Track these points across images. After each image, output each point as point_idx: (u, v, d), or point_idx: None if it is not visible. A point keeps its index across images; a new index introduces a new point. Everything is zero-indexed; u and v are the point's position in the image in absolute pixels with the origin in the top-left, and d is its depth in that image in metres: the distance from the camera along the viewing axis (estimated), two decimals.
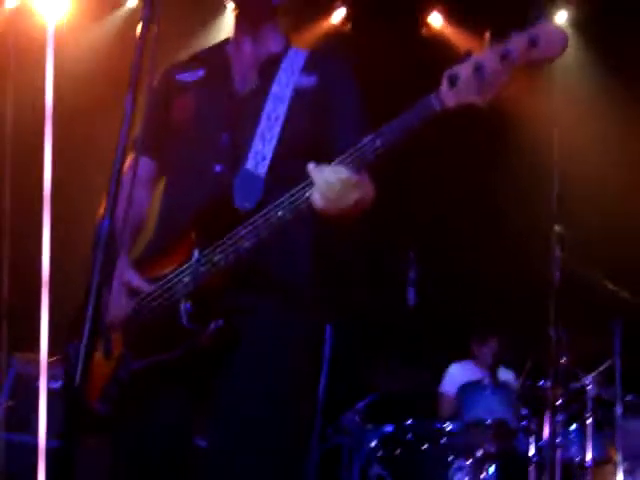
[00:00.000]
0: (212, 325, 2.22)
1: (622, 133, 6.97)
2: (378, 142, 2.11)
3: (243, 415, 2.26)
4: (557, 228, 5.64)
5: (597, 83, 7.26)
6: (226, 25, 6.99)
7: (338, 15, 7.47)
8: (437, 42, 7.38)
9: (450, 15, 7.37)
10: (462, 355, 6.52)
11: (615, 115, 7.02)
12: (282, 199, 2.17)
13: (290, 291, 2.39)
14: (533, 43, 1.94)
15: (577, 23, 7.37)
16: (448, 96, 2.03)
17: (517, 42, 1.96)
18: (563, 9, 7.34)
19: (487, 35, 2.01)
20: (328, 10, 7.47)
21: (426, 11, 7.44)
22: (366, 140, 2.11)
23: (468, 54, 2.03)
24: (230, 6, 2.72)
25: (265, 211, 2.19)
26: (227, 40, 2.65)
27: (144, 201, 2.57)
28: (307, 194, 2.13)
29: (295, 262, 2.43)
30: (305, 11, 6.79)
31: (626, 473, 5.30)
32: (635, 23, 6.86)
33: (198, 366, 2.28)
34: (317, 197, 2.10)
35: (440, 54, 7.23)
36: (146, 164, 2.52)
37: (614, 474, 5.25)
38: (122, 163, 1.74)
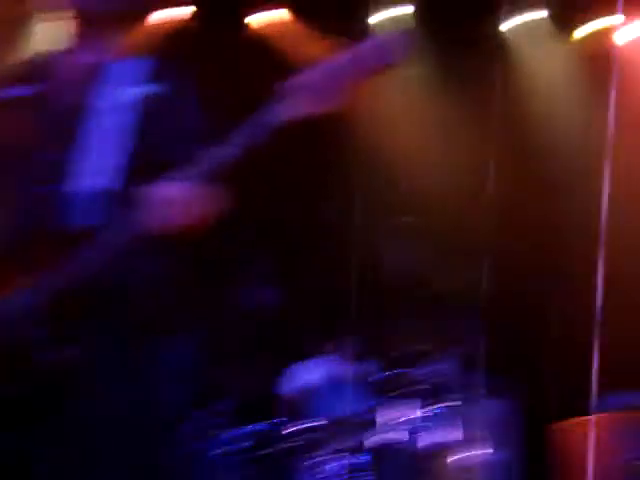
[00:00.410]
0: (64, 351, 2.08)
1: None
2: (219, 155, 2.06)
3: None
4: (403, 219, 5.75)
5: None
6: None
7: (183, 11, 7.37)
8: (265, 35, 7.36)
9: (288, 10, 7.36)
10: (306, 354, 6.51)
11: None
12: (118, 218, 2.07)
13: (135, 311, 2.25)
14: (371, 51, 1.98)
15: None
16: (286, 107, 2.00)
17: (357, 51, 1.99)
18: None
19: (327, 42, 2.09)
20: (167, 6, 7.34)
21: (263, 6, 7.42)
22: (206, 153, 2.06)
23: (309, 63, 2.02)
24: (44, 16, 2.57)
25: (105, 230, 2.07)
26: (51, 51, 2.49)
27: None
28: (129, 218, 2.06)
29: (139, 280, 2.28)
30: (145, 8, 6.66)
31: (486, 452, 5.42)
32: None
33: (47, 396, 2.14)
34: (146, 215, 2.02)
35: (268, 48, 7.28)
36: None
37: (474, 454, 5.35)
38: None
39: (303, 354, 6.46)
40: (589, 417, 5.73)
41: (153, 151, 2.29)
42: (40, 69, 2.42)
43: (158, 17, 7.15)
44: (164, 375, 2.37)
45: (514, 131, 7.16)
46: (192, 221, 2.04)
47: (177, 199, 2.01)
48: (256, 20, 7.46)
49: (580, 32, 7.38)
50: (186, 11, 7.41)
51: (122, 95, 2.33)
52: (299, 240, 7.17)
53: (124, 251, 2.09)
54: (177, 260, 2.30)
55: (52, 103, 2.35)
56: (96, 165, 2.24)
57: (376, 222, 6.55)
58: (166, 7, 7.29)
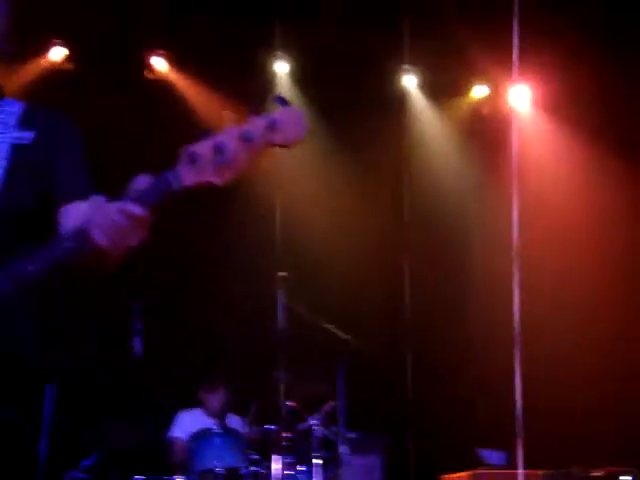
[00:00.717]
0: None
1: (343, 183, 7.37)
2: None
3: None
4: (281, 274, 5.80)
5: (315, 133, 7.58)
6: None
7: (57, 53, 7.17)
8: (162, 86, 7.33)
9: (172, 60, 7.35)
10: (190, 404, 6.44)
11: (338, 165, 7.40)
12: (1, 275, 2.01)
13: (12, 364, 2.20)
14: (272, 127, 1.94)
15: (295, 76, 7.67)
16: (186, 175, 1.97)
17: (256, 125, 1.95)
18: (282, 62, 7.60)
19: (226, 113, 1.99)
20: (44, 48, 7.14)
21: (148, 54, 7.35)
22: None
23: (207, 132, 1.98)
24: None
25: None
26: None
27: None
28: (29, 267, 1.99)
29: (16, 332, 2.23)
30: (22, 46, 6.45)
31: None
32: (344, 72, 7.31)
33: None
34: (99, 235, 1.96)
35: (164, 98, 7.24)
36: None
37: None
38: None
39: (173, 406, 6.40)
40: (466, 473, 6.00)
41: (36, 197, 2.27)
42: None
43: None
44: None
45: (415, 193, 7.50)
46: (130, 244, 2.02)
47: (127, 222, 1.97)
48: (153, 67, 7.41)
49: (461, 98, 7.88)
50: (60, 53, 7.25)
51: (4, 140, 2.30)
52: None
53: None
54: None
55: None
56: None
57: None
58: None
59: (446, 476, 6.29)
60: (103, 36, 6.93)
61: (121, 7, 6.91)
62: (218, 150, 1.94)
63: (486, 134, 7.66)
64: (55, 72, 7.15)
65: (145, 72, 7.31)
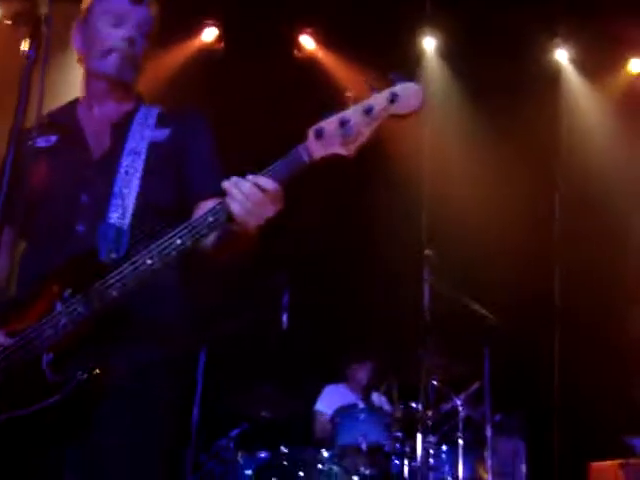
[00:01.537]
0: (77, 376, 2.16)
1: (490, 159, 7.20)
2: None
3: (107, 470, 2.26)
4: (427, 252, 5.76)
5: (463, 110, 7.47)
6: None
7: (209, 34, 7.37)
8: (309, 64, 7.39)
9: (321, 37, 7.40)
10: (337, 378, 6.51)
11: (485, 142, 7.26)
12: (150, 248, 2.16)
13: (157, 332, 2.38)
14: (392, 100, 2.10)
15: (443, 53, 7.58)
16: (315, 148, 2.13)
17: (378, 98, 2.11)
18: (430, 37, 7.52)
19: (350, 93, 2.15)
20: (198, 29, 7.36)
21: (297, 33, 7.44)
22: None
23: (333, 111, 2.14)
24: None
25: (133, 260, 2.17)
26: (77, 100, 2.67)
27: (2, 267, 2.53)
28: (177, 241, 2.14)
29: (163, 304, 2.42)
30: (174, 30, 6.68)
31: None
32: (495, 47, 7.14)
33: (62, 420, 2.20)
34: (237, 208, 2.12)
35: (312, 76, 7.31)
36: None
37: None
38: None
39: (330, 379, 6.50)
40: (615, 462, 5.81)
41: (173, 188, 2.51)
42: (71, 119, 2.60)
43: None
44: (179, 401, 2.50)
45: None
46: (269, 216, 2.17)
47: (261, 196, 2.12)
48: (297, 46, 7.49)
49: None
50: (212, 34, 7.43)
51: (144, 139, 2.53)
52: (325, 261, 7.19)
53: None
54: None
55: (83, 152, 2.53)
56: (118, 203, 2.41)
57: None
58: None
59: (595, 464, 6.09)
60: (253, 16, 7.08)
61: None
62: (343, 123, 2.11)
63: None
64: (207, 52, 7.38)
65: (294, 51, 7.41)
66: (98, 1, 2.55)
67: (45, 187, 2.46)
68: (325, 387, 6.44)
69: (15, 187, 2.19)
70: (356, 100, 2.13)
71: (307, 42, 7.44)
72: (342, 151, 2.13)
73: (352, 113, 2.12)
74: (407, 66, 7.01)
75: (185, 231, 2.15)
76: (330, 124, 2.12)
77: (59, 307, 2.20)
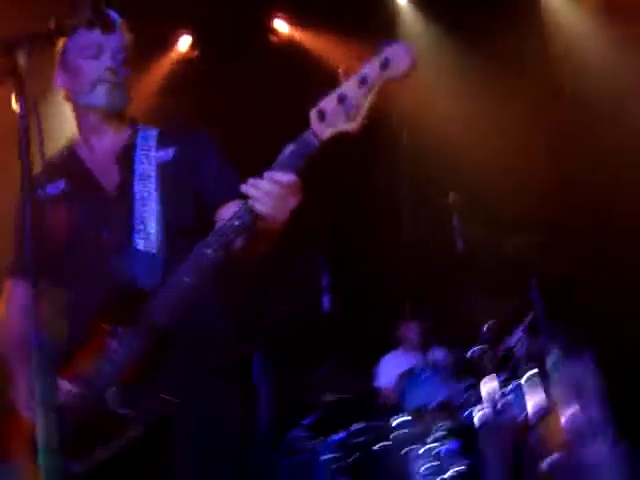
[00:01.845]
0: (148, 405, 2.19)
1: (486, 102, 7.14)
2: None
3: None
4: (451, 196, 5.73)
5: (449, 53, 7.41)
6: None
7: (184, 43, 7.36)
8: (288, 47, 7.36)
9: (294, 19, 7.37)
10: (389, 348, 6.52)
11: (473, 80, 7.19)
12: (184, 265, 2.19)
13: (208, 344, 2.42)
14: (384, 65, 2.11)
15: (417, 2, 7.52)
16: (321, 130, 2.15)
17: (371, 67, 2.12)
18: None
19: (341, 69, 2.16)
20: (172, 40, 7.34)
21: (269, 19, 7.40)
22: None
23: (328, 89, 2.15)
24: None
25: (171, 281, 2.21)
26: (74, 142, 2.69)
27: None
28: (208, 252, 2.17)
29: (209, 314, 2.46)
30: (148, 46, 6.68)
31: (573, 416, 5.42)
32: None
33: (142, 452, 2.23)
34: (260, 207, 2.14)
35: (293, 58, 7.28)
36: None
37: (559, 420, 5.35)
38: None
39: (379, 349, 6.50)
40: None
41: (190, 203, 2.53)
42: (74, 161, 2.63)
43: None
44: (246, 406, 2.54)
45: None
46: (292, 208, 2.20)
47: (280, 189, 2.15)
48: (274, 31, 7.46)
49: None
50: (185, 44, 7.41)
51: (151, 161, 2.55)
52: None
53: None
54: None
55: (95, 190, 2.55)
56: (143, 230, 2.44)
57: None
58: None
59: None
60: (222, 15, 7.04)
61: None
62: (342, 100, 2.13)
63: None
64: (185, 61, 7.38)
65: (270, 38, 7.39)
66: (71, 39, 2.56)
67: (65, 232, 2.49)
68: (381, 360, 6.46)
69: (36, 239, 2.19)
70: (348, 74, 2.14)
71: (281, 26, 7.41)
72: (347, 127, 2.14)
73: (348, 87, 2.13)
74: (385, 24, 6.95)
75: (214, 240, 2.18)
76: (329, 103, 2.14)
77: (112, 343, 2.24)
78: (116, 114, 2.61)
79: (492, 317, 5.78)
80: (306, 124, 2.15)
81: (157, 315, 2.19)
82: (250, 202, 2.15)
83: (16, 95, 1.90)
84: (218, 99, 6.64)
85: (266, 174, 2.15)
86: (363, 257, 7.15)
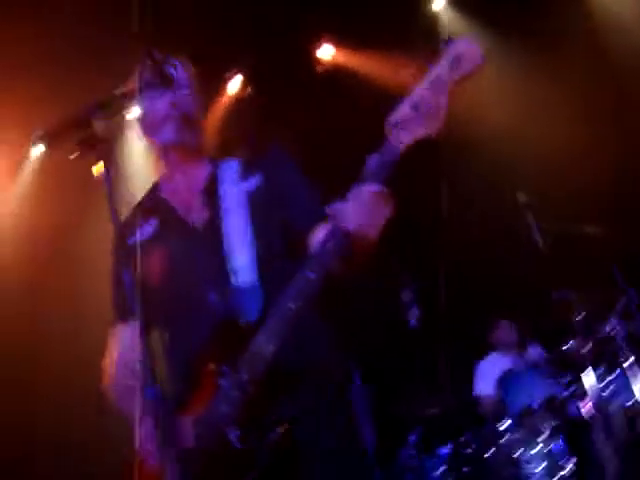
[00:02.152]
0: (270, 438, 2.17)
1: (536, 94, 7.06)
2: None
3: None
4: (520, 196, 5.67)
5: (494, 52, 7.34)
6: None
7: (235, 83, 7.48)
8: (335, 73, 7.41)
9: (338, 43, 7.42)
10: (484, 352, 6.46)
11: (519, 75, 7.12)
12: (287, 292, 2.17)
13: (326, 373, 2.40)
14: (454, 64, 2.07)
15: (454, 4, 7.50)
16: (402, 137, 2.11)
17: (439, 69, 2.08)
18: None
19: (410, 72, 2.13)
20: (224, 81, 7.46)
21: (314, 48, 7.46)
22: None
23: (399, 99, 2.12)
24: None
25: (275, 311, 2.18)
26: (156, 184, 2.71)
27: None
28: (311, 276, 2.14)
29: (319, 341, 2.45)
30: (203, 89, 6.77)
31: None
32: None
33: None
34: (349, 222, 2.11)
35: (341, 82, 7.32)
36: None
37: None
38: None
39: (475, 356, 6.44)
40: None
41: (282, 230, 2.49)
42: (160, 202, 2.63)
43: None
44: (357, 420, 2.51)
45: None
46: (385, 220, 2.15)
47: (369, 200, 2.11)
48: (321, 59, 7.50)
49: None
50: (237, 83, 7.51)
51: (237, 193, 2.52)
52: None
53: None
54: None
55: (186, 229, 2.54)
56: (237, 264, 2.41)
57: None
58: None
59: None
60: (267, 51, 7.13)
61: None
62: (415, 106, 2.09)
63: None
64: (239, 101, 7.48)
65: (316, 67, 7.44)
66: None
67: (164, 273, 2.49)
68: (477, 366, 6.40)
69: (143, 286, 2.23)
70: (416, 78, 2.10)
71: (324, 53, 7.46)
72: (427, 131, 2.10)
73: (419, 92, 2.10)
74: (426, 31, 6.95)
75: (313, 263, 2.16)
76: (402, 112, 2.10)
77: (224, 383, 2.22)
78: (189, 149, 2.61)
79: (583, 309, 5.69)
80: (382, 137, 2.11)
81: (266, 346, 2.17)
82: (341, 222, 2.12)
83: (100, 160, 1.96)
84: (275, 133, 6.70)
85: (353, 190, 2.12)
86: (445, 267, 7.09)
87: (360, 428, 2.57)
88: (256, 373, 2.18)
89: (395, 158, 2.11)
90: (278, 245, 2.48)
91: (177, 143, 2.57)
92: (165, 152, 2.63)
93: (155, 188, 2.71)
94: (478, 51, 2.07)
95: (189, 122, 2.58)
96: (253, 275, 2.40)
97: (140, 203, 2.72)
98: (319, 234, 2.28)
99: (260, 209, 2.50)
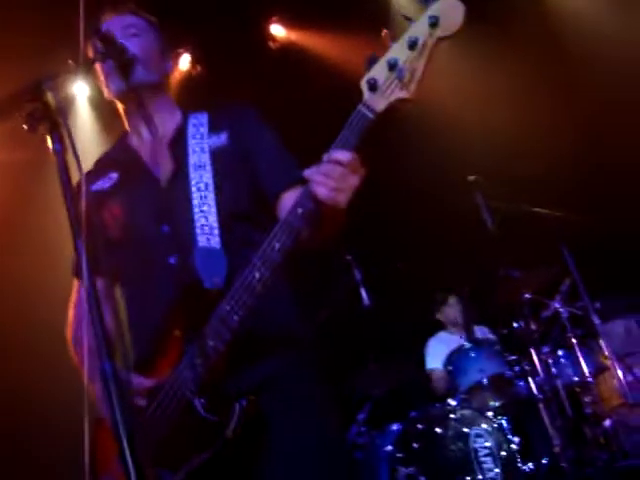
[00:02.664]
0: (236, 408, 2.12)
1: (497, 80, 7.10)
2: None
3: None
4: (471, 178, 5.72)
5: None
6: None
7: (184, 61, 7.40)
8: (288, 49, 7.38)
9: (289, 21, 7.38)
10: (433, 330, 6.53)
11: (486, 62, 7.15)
12: (254, 261, 2.07)
13: (293, 340, 2.34)
14: (434, 23, 1.94)
15: None
16: (375, 102, 1.99)
17: (419, 27, 1.96)
18: None
19: (385, 32, 1.99)
20: (174, 57, 7.37)
21: (266, 25, 7.42)
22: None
23: (374, 56, 2.00)
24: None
25: (242, 278, 2.09)
26: (125, 134, 2.60)
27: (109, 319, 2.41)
28: (277, 245, 2.04)
29: (285, 310, 2.37)
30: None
31: (625, 371, 5.41)
32: None
33: (238, 458, 2.16)
34: (322, 191, 2.00)
35: (295, 58, 7.29)
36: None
37: (614, 377, 5.35)
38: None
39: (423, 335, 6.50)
40: None
41: (250, 189, 2.40)
42: (125, 152, 2.54)
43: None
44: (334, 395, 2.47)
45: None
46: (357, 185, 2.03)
47: (339, 168, 1.99)
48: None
49: None
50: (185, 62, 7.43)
51: (205, 150, 2.43)
52: None
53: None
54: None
55: (149, 180, 2.44)
56: (200, 224, 2.31)
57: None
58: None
59: None
60: (217, 28, 7.05)
61: None
62: (393, 66, 1.95)
63: None
64: (189, 79, 7.40)
65: (269, 44, 7.40)
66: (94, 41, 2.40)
67: (122, 226, 2.40)
68: (427, 343, 6.47)
69: (93, 236, 2.10)
70: (394, 37, 1.97)
71: (277, 30, 7.42)
72: (403, 94, 1.97)
73: (397, 52, 1.97)
74: (379, 12, 6.94)
75: (281, 232, 2.05)
76: (379, 71, 1.98)
77: (189, 349, 2.15)
78: (151, 90, 2.49)
79: (529, 289, 5.78)
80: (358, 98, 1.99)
81: (232, 314, 2.08)
82: (311, 187, 2.02)
83: (51, 134, 1.92)
84: None
85: (325, 155, 2.01)
86: (390, 247, 7.12)
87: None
88: (222, 341, 2.10)
89: (366, 126, 1.98)
90: (244, 202, 2.38)
91: (132, 86, 2.43)
92: (124, 103, 2.52)
93: (123, 137, 2.60)
94: (461, 12, 1.94)
95: (137, 63, 2.43)
96: (217, 236, 2.30)
97: (107, 151, 2.63)
98: (290, 198, 2.19)
99: (227, 167, 2.40)
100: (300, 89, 6.52)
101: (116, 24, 2.49)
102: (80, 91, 7.04)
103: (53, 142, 1.91)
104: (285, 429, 2.20)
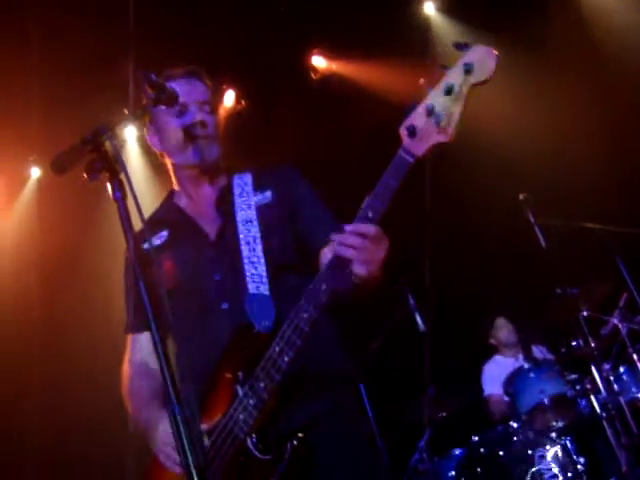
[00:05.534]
0: (288, 446, 2.19)
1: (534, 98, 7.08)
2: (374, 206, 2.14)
3: None
4: (521, 196, 5.69)
5: None
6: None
7: (229, 97, 7.50)
8: (330, 80, 7.43)
9: (330, 52, 7.44)
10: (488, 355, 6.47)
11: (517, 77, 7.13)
12: (301, 302, 2.16)
13: (340, 379, 2.43)
14: (468, 70, 2.03)
15: (444, 9, 7.53)
16: (415, 146, 2.08)
17: (453, 74, 2.05)
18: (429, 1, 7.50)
19: (422, 80, 2.09)
20: (219, 94, 7.47)
21: (308, 57, 7.49)
22: (364, 204, 2.12)
23: (411, 105, 2.10)
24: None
25: (289, 320, 2.18)
26: (172, 193, 2.74)
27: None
28: (322, 287, 2.13)
29: (332, 350, 2.47)
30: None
31: None
32: None
33: None
34: (358, 268, 2.09)
35: (338, 88, 7.35)
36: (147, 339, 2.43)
37: None
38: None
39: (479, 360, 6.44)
40: None
41: (295, 241, 2.54)
42: (174, 211, 2.67)
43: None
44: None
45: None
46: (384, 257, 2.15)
47: (368, 242, 2.09)
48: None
49: None
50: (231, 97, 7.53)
51: (251, 206, 2.57)
52: None
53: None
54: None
55: (199, 236, 2.57)
56: (250, 274, 2.44)
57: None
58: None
59: None
60: (260, 62, 7.14)
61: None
62: (430, 112, 2.06)
63: None
64: (234, 115, 7.49)
65: (311, 75, 7.47)
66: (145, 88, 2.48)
67: (174, 278, 2.50)
68: (483, 368, 6.40)
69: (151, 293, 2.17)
70: (430, 85, 2.07)
71: (318, 62, 7.50)
72: (442, 138, 2.06)
73: (434, 98, 2.06)
74: (421, 36, 6.98)
75: (324, 278, 2.14)
76: (417, 117, 2.07)
77: (241, 390, 2.23)
78: (212, 167, 2.64)
79: (587, 306, 5.70)
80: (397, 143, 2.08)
81: (283, 356, 2.17)
82: (338, 251, 2.10)
83: (111, 183, 1.97)
84: (278, 145, 6.71)
85: (350, 227, 2.09)
86: (442, 270, 7.09)
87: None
88: (272, 381, 2.18)
89: (406, 170, 2.08)
90: (290, 254, 2.51)
91: (198, 165, 2.60)
92: (182, 169, 2.66)
93: (170, 197, 2.74)
94: (493, 59, 2.04)
95: (210, 141, 2.59)
96: (266, 283, 2.41)
97: (155, 212, 2.75)
98: (327, 254, 2.26)
99: (272, 221, 2.53)
100: (342, 118, 6.56)
101: (186, 91, 2.57)
102: (130, 134, 7.21)
103: (113, 190, 1.99)
104: (334, 465, 2.28)
